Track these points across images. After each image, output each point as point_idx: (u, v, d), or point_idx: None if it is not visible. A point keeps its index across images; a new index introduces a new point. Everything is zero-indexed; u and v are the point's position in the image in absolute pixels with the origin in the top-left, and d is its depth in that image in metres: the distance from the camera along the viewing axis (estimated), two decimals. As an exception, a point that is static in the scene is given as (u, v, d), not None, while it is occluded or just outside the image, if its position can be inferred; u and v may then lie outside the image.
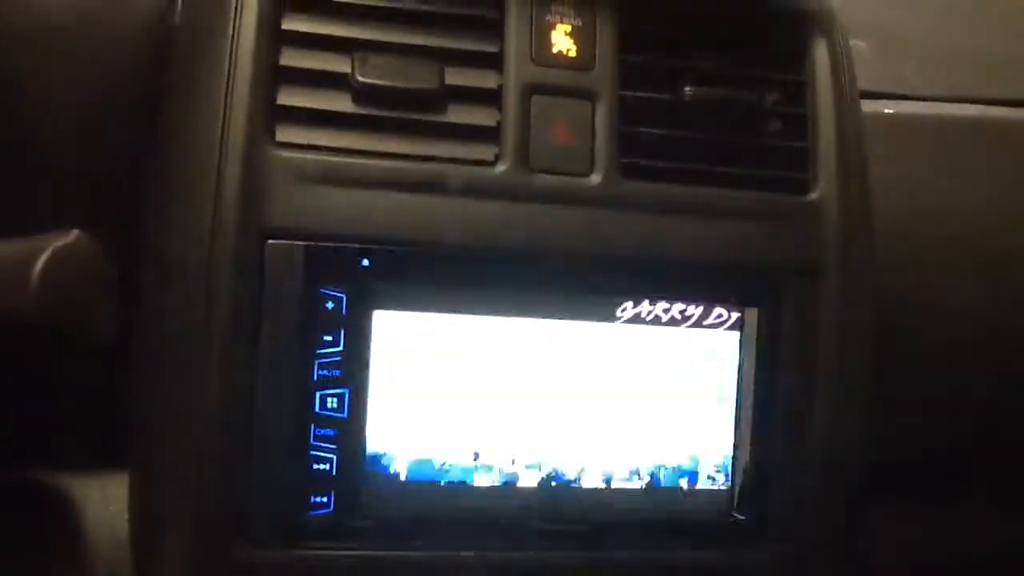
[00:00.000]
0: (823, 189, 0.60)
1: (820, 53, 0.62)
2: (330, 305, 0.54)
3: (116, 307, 0.47)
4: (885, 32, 0.84)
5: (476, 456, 0.56)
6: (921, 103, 0.79)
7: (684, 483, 0.59)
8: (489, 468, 0.56)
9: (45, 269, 0.39)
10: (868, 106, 0.71)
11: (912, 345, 0.69)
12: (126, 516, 0.60)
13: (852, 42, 0.72)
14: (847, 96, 0.62)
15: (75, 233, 0.40)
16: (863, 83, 0.70)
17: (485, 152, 0.56)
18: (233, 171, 0.52)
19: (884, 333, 0.62)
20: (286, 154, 0.53)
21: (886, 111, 0.76)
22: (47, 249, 0.39)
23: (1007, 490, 0.78)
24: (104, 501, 0.61)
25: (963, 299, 0.71)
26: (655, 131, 0.58)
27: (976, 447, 0.75)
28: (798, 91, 0.61)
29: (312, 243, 0.53)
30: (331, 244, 0.53)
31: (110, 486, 0.61)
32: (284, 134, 0.53)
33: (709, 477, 0.60)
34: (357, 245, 0.54)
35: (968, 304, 0.71)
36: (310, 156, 0.53)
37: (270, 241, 0.52)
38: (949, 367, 0.72)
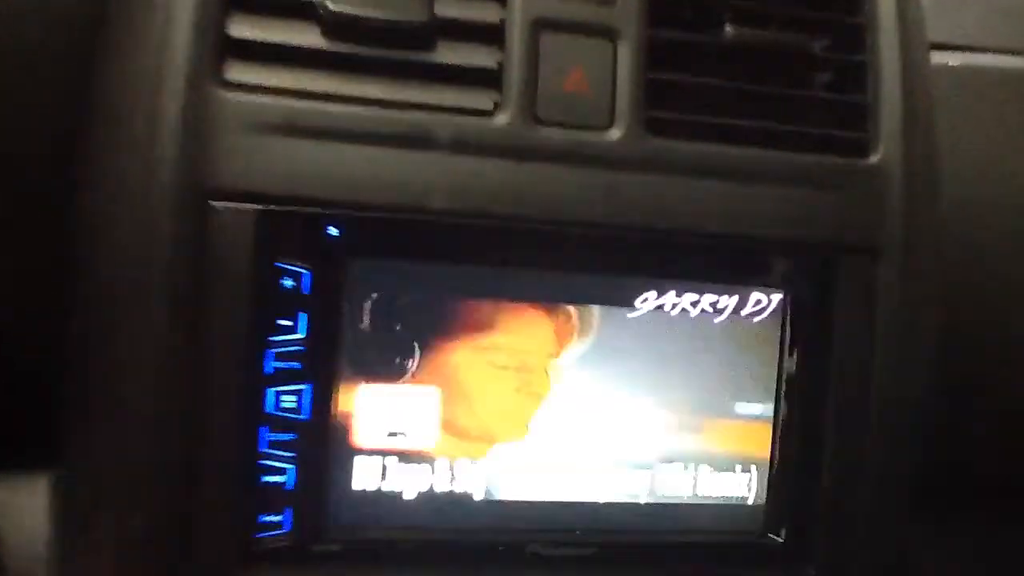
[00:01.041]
0: (885, 151, 0.53)
1: (885, -8, 0.54)
2: (289, 283, 0.47)
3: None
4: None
5: (466, 466, 0.50)
6: (984, 55, 0.70)
7: (709, 497, 0.53)
8: (481, 480, 0.50)
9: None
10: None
11: (979, 339, 0.61)
12: (45, 530, 0.53)
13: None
14: (914, 42, 0.54)
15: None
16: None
17: (483, 100, 0.48)
18: (172, 118, 0.44)
19: (949, 324, 0.54)
20: (237, 97, 0.45)
21: (948, 63, 0.66)
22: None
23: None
24: (19, 511, 0.54)
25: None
26: (687, 79, 0.51)
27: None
28: (857, 35, 0.54)
29: (267, 207, 0.45)
30: (291, 208, 0.46)
31: (26, 494, 0.54)
32: (235, 73, 0.46)
33: (739, 491, 0.53)
34: (324, 210, 0.46)
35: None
36: (267, 100, 0.46)
37: (216, 203, 0.45)
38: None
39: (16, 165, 0.50)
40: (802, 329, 0.53)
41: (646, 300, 0.51)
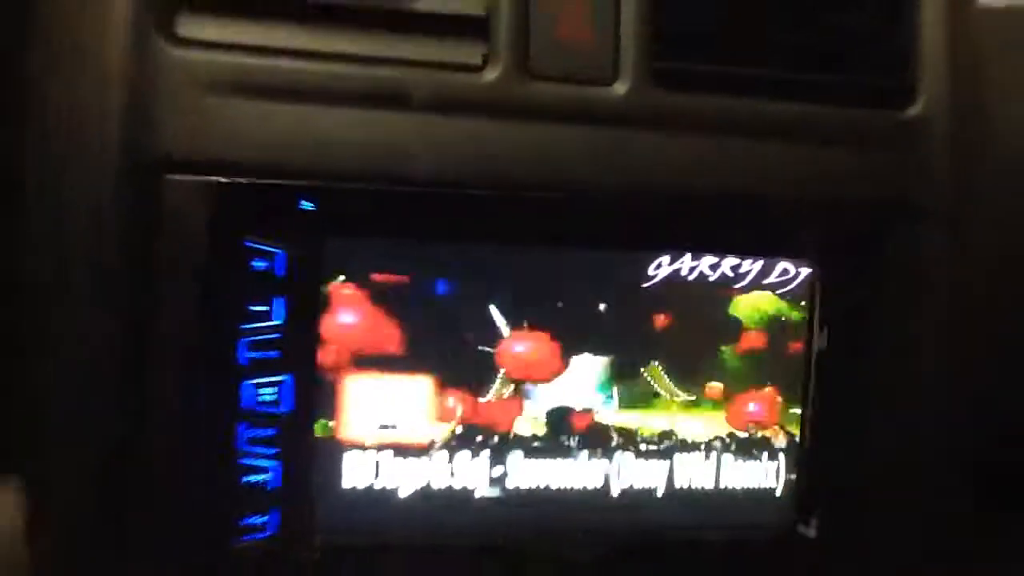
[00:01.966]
0: (928, 102, 0.50)
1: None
2: (261, 264, 0.45)
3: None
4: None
5: (467, 459, 0.48)
6: None
7: (732, 487, 0.51)
8: (484, 474, 0.48)
9: None
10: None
11: None
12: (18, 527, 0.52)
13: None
14: None
15: None
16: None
17: (470, 52, 0.46)
18: (117, 78, 0.42)
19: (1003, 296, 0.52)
20: (189, 54, 0.43)
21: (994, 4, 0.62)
22: None
23: None
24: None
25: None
26: (700, 24, 0.49)
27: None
28: None
29: (229, 178, 0.43)
30: (256, 180, 0.43)
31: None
32: (188, 27, 0.43)
33: (766, 479, 0.52)
34: (294, 181, 0.44)
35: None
36: (223, 57, 0.43)
37: (170, 176, 0.42)
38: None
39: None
40: (835, 303, 0.50)
41: (660, 266, 0.48)
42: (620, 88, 0.46)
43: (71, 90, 0.42)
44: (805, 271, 0.50)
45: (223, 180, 0.43)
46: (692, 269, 0.49)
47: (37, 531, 0.50)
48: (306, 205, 0.45)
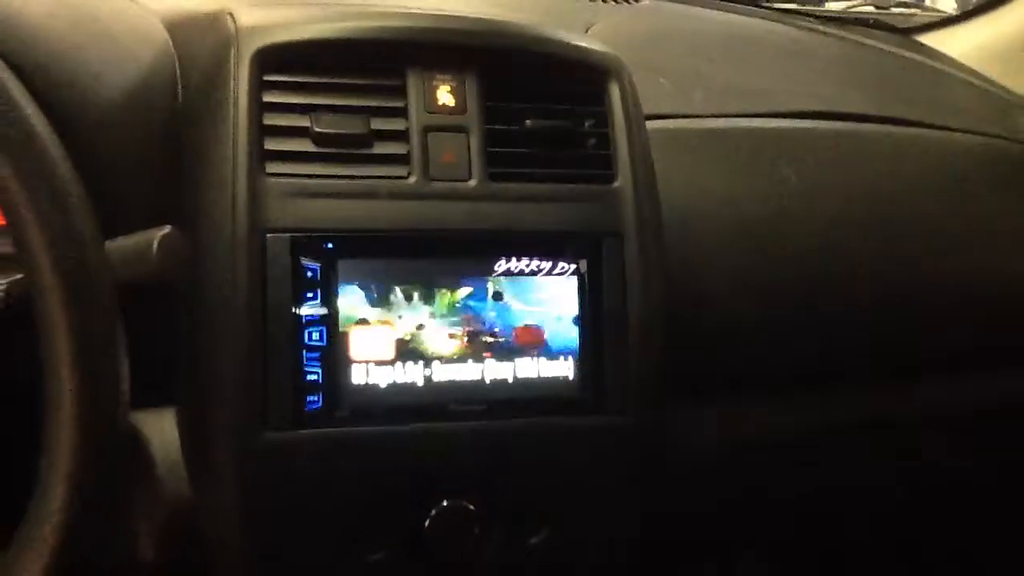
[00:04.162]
0: (621, 180, 0.84)
1: (615, 92, 0.86)
2: (309, 274, 0.75)
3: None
4: (681, 72, 1.14)
5: (411, 366, 0.78)
6: (703, 119, 1.04)
7: (550, 376, 0.82)
8: (421, 372, 0.78)
9: (160, 247, 0.67)
10: (668, 123, 1.00)
11: (697, 285, 0.99)
12: (177, 440, 0.76)
13: (660, 79, 1.05)
14: (634, 119, 0.86)
15: (168, 227, 0.69)
16: (665, 107, 1.03)
17: (401, 170, 0.77)
18: (242, 193, 0.74)
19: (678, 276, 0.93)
20: (274, 180, 0.74)
21: (682, 125, 1.02)
22: (158, 236, 0.68)
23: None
24: (160, 430, 0.77)
25: (728, 252, 1.01)
26: (510, 150, 0.80)
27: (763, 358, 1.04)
28: (603, 118, 0.85)
29: (295, 235, 0.74)
30: (308, 235, 0.74)
31: (163, 419, 0.77)
32: (272, 168, 0.74)
33: (565, 372, 0.83)
34: (323, 235, 0.75)
35: (732, 256, 1.02)
36: (290, 180, 0.75)
37: (269, 235, 0.73)
38: (727, 298, 1.02)
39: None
40: (589, 279, 0.81)
41: (499, 265, 0.80)
42: (472, 183, 0.78)
43: (223, 200, 0.72)
44: (573, 264, 0.81)
45: (294, 235, 0.72)
46: (516, 267, 0.79)
47: (192, 450, 0.73)
48: (328, 245, 0.74)
